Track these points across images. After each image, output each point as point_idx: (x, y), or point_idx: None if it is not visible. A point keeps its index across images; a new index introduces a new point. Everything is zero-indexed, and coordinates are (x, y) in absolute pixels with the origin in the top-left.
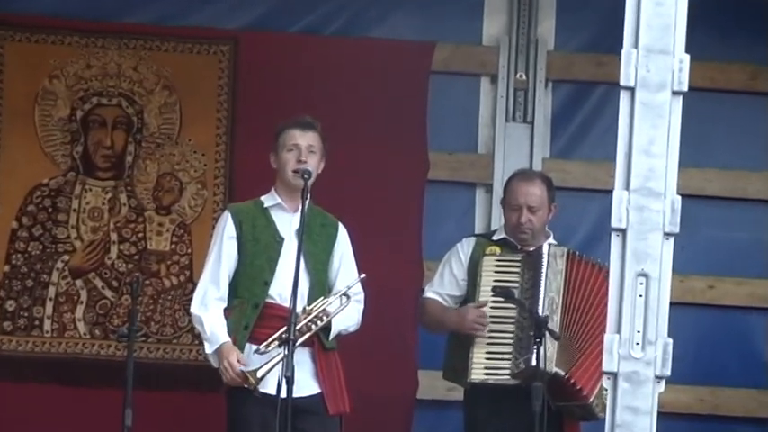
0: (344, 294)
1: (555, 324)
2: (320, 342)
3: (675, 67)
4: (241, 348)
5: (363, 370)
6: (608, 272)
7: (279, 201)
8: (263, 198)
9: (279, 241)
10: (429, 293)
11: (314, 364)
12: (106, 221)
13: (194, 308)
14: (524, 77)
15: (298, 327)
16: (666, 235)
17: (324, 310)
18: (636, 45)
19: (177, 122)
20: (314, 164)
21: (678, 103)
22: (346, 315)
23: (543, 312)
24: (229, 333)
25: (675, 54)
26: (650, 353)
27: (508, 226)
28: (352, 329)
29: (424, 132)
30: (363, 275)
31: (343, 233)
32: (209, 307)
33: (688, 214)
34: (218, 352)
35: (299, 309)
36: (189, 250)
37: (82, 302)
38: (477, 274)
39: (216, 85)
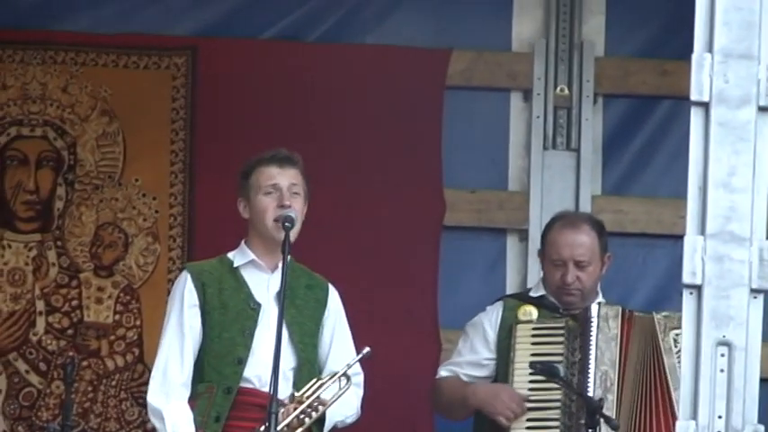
0: (344, 375)
1: (611, 406)
2: None
3: (762, 75)
4: None
5: None
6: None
7: (252, 257)
8: (230, 255)
9: (254, 308)
10: (443, 372)
11: None
12: (30, 286)
13: (152, 397)
14: (566, 92)
15: (287, 421)
16: (754, 292)
17: (318, 397)
18: (710, 48)
19: (120, 158)
20: (298, 208)
21: (766, 121)
22: (344, 402)
23: (595, 393)
24: (196, 428)
25: (761, 59)
26: None
27: (550, 286)
28: (350, 421)
29: (438, 164)
30: (368, 349)
31: (334, 297)
32: (170, 396)
33: None
34: None
35: (285, 395)
36: (138, 322)
37: (0, 392)
38: (509, 347)
39: (169, 108)
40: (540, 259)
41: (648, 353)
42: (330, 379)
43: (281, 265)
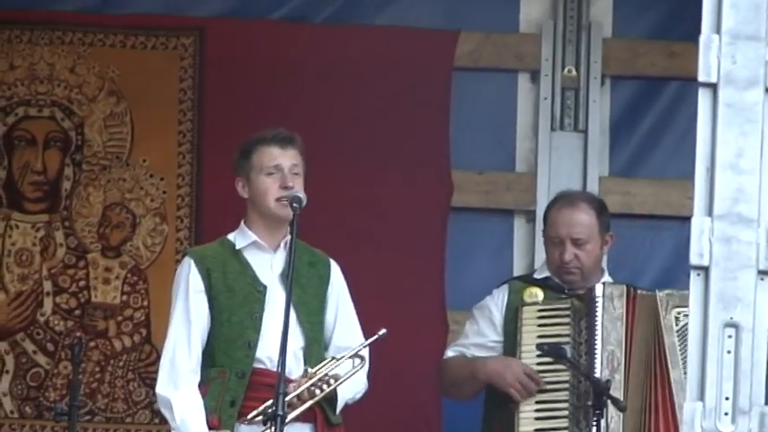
0: (357, 355)
1: (617, 386)
2: (324, 416)
3: None
4: (229, 430)
5: None
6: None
7: (254, 238)
8: (230, 237)
9: (261, 291)
10: (450, 352)
11: None
12: (38, 267)
13: (160, 387)
14: (574, 73)
15: (297, 392)
16: (761, 273)
17: (330, 373)
18: (718, 30)
19: (128, 138)
20: (299, 189)
21: None
22: (355, 379)
23: (602, 373)
24: (209, 413)
25: None
26: (743, 426)
27: (551, 265)
28: (359, 396)
29: (446, 146)
30: (384, 331)
31: (336, 272)
32: (179, 385)
33: None
34: None
35: (298, 373)
36: (145, 302)
37: (8, 372)
38: (516, 330)
39: (177, 88)
40: (544, 240)
41: (650, 331)
42: (344, 357)
43: (282, 244)
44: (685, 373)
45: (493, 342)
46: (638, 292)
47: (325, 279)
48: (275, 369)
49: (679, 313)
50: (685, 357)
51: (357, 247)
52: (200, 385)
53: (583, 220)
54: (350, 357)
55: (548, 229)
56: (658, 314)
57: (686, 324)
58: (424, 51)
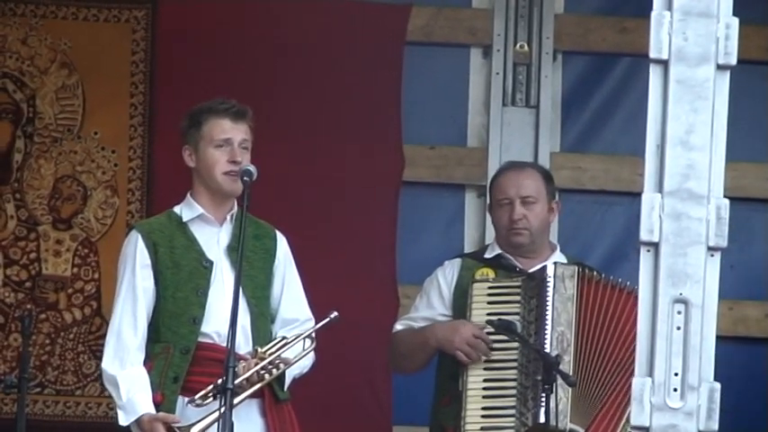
0: (309, 337)
1: (567, 366)
2: (272, 393)
3: (721, 33)
4: (172, 405)
5: (323, 428)
6: (635, 295)
7: (201, 211)
8: (176, 209)
9: (206, 266)
10: (399, 326)
11: (264, 420)
12: None
13: (106, 363)
14: (526, 48)
15: (247, 375)
16: (711, 250)
17: (280, 356)
18: (669, 6)
19: (79, 110)
20: (247, 163)
21: (725, 79)
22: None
23: (552, 353)
24: (154, 389)
25: (720, 17)
26: (692, 402)
27: (499, 231)
28: (307, 371)
29: (397, 120)
30: (336, 314)
31: (282, 244)
32: (125, 361)
33: (739, 222)
34: (139, 426)
35: (244, 350)
36: (96, 275)
37: None
38: (465, 306)
39: (129, 61)
40: (490, 213)
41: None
42: (295, 339)
43: (229, 217)
44: None
45: (442, 316)
46: (590, 273)
47: (271, 252)
48: (222, 344)
49: None
50: None
51: (308, 221)
52: (145, 361)
53: (530, 181)
54: (301, 339)
55: (495, 193)
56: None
57: None
58: (376, 26)
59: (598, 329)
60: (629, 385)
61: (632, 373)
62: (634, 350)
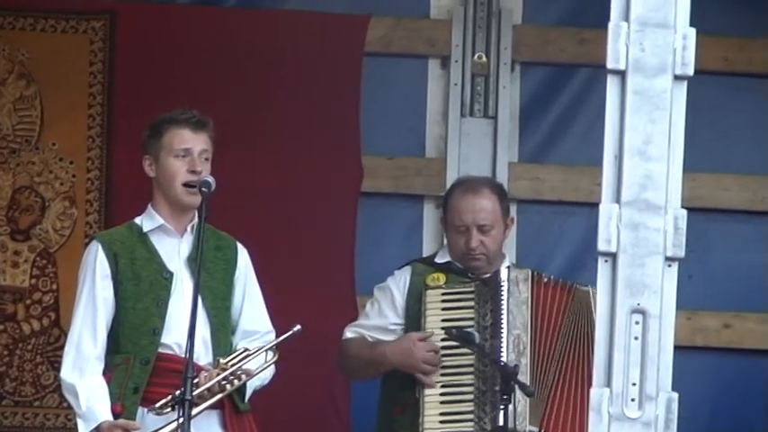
0: (271, 349)
1: (524, 369)
2: (233, 404)
3: (678, 44)
4: (132, 416)
5: None
6: (586, 294)
7: (161, 222)
8: (137, 220)
9: (167, 278)
10: (349, 333)
11: (224, 431)
12: None
13: (65, 373)
14: (484, 59)
15: (208, 385)
16: (668, 260)
17: (242, 367)
18: (627, 17)
19: (37, 121)
20: (207, 173)
21: (682, 90)
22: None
23: (509, 357)
24: (113, 400)
25: (678, 28)
26: (650, 411)
27: (455, 252)
28: (267, 382)
29: (356, 130)
30: (299, 327)
31: (243, 255)
32: (84, 371)
33: (697, 233)
34: None
35: (205, 361)
36: (54, 286)
37: None
38: (419, 313)
39: (87, 72)
40: (444, 226)
41: (581, 324)
42: (257, 351)
43: (189, 228)
44: None
45: (393, 324)
46: (576, 286)
47: (232, 263)
48: (182, 355)
49: None
50: None
51: (267, 232)
52: (104, 372)
53: (486, 206)
54: (263, 351)
55: (450, 216)
56: (591, 310)
57: None
58: (334, 36)
59: (551, 331)
60: (583, 383)
61: (583, 373)
62: (587, 349)
